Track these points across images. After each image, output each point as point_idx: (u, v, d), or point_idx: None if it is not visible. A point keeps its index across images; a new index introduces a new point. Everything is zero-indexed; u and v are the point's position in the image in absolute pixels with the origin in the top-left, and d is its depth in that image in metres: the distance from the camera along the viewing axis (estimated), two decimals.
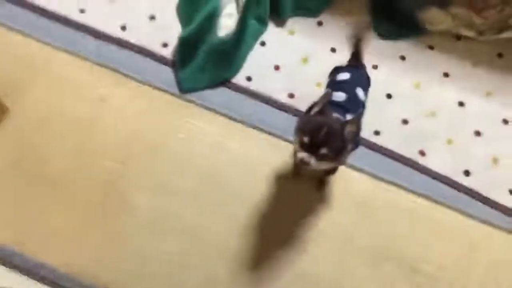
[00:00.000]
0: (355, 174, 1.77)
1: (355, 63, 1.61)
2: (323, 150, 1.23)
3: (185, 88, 1.82)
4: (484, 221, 1.72)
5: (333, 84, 1.49)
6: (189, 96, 1.82)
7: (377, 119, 1.82)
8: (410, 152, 1.80)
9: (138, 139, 1.76)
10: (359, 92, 1.47)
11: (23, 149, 1.70)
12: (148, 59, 1.88)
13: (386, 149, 1.80)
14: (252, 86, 1.86)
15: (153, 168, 1.71)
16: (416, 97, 1.90)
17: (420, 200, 1.74)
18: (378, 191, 1.75)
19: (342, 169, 1.69)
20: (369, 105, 1.55)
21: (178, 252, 1.59)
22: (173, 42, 1.89)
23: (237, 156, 1.76)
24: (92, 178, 1.68)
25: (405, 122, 1.85)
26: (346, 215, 1.70)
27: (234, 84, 1.86)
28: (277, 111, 1.83)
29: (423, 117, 1.86)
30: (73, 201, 1.64)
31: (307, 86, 1.86)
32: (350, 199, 1.73)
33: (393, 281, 1.62)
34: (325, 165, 1.36)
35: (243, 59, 1.88)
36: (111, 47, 1.88)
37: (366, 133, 1.70)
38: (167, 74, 1.86)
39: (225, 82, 1.85)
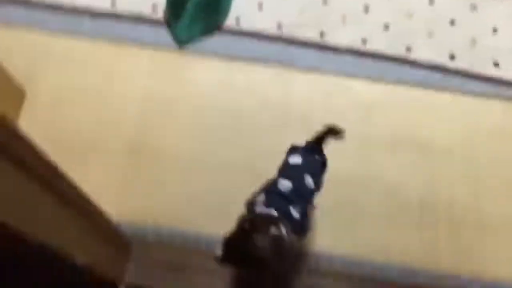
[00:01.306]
0: (354, 82, 1.95)
1: (314, 146, 1.46)
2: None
3: (181, 41, 1.96)
4: (479, 95, 1.92)
5: (283, 169, 1.43)
6: (188, 47, 1.97)
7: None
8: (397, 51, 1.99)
9: (151, 98, 1.90)
10: (308, 179, 1.38)
11: (49, 126, 1.83)
12: (143, 25, 2.02)
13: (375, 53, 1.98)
14: (243, 25, 2.01)
15: (172, 118, 1.86)
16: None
17: (417, 91, 1.94)
18: (379, 92, 1.93)
19: (343, 82, 1.90)
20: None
21: (216, 187, 1.74)
22: (162, 2, 2.02)
23: (246, 92, 1.92)
24: (120, 138, 1.82)
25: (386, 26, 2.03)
26: (356, 117, 1.88)
27: (226, 27, 2.00)
28: (270, 42, 1.99)
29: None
30: (109, 161, 1.78)
31: (291, 15, 2.03)
32: (358, 105, 1.91)
33: (411, 162, 1.80)
34: None
35: (229, 2, 2.03)
36: (106, 22, 2.02)
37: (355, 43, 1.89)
38: (163, 33, 2.00)
39: (217, 27, 2.00)
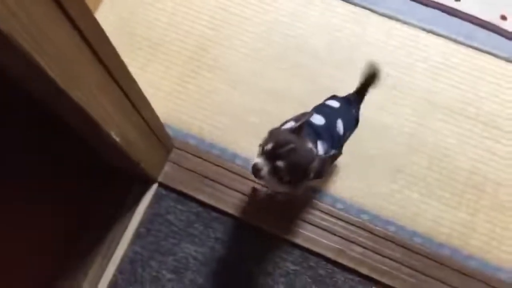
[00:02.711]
0: (433, 39, 1.82)
1: (353, 98, 1.44)
2: (279, 163, 1.12)
3: None
4: None
5: (319, 106, 1.40)
6: None
7: None
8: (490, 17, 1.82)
9: (224, 13, 1.87)
10: (339, 124, 1.34)
11: (122, 18, 1.87)
12: None
13: (466, 13, 1.83)
14: None
15: (239, 36, 1.84)
16: None
17: (499, 63, 1.79)
18: (457, 54, 1.81)
19: (422, 36, 1.78)
20: None
21: (265, 112, 1.73)
22: None
23: (317, 26, 1.85)
24: (187, 42, 1.83)
25: None
26: (424, 75, 1.78)
27: None
28: None
29: None
30: (171, 62, 1.80)
31: None
32: (429, 63, 1.80)
33: (470, 134, 1.71)
34: (275, 185, 1.22)
35: None
36: None
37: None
38: None
39: None
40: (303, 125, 1.17)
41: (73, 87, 0.82)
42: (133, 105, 1.11)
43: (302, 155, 1.14)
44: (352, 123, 1.42)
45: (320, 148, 1.25)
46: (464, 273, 1.55)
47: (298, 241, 1.56)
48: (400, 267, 1.55)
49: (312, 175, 1.17)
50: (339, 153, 1.36)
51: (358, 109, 1.45)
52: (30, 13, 0.69)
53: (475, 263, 1.56)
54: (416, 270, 1.55)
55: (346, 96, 1.44)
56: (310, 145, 1.18)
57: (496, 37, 1.83)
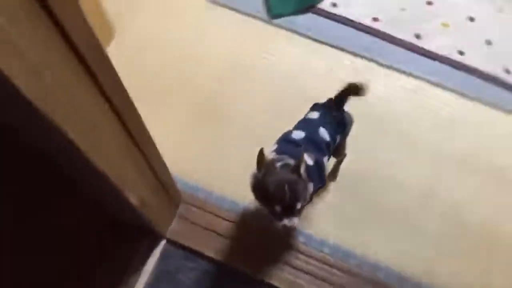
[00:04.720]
0: (438, 92, 1.84)
1: (331, 103, 1.44)
2: (298, 205, 1.18)
3: (274, 14, 1.93)
4: None
5: (299, 122, 1.43)
6: (278, 21, 1.93)
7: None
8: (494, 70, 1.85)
9: (231, 61, 1.88)
10: (321, 131, 1.36)
11: (131, 65, 1.85)
12: None
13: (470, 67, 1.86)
14: (338, 11, 1.95)
15: (246, 86, 1.84)
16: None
17: (505, 116, 1.81)
18: (464, 107, 1.82)
19: (426, 88, 1.80)
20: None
21: None
22: None
23: (321, 74, 1.86)
24: (194, 92, 1.83)
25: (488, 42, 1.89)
26: (432, 127, 1.78)
27: (320, 9, 1.95)
28: (361, 33, 1.91)
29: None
30: (176, 114, 1.79)
31: (391, 11, 1.93)
32: (436, 115, 1.81)
33: (481, 185, 1.69)
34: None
35: None
36: None
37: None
38: (258, 2, 1.97)
39: (311, 7, 1.95)
40: (269, 165, 1.22)
41: (96, 154, 0.79)
42: (152, 168, 1.08)
43: (294, 180, 1.18)
44: (339, 127, 1.42)
45: (308, 159, 1.27)
46: None
47: None
48: None
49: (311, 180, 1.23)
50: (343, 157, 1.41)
51: (340, 112, 1.43)
52: (57, 77, 0.66)
53: None
54: None
55: (324, 102, 1.45)
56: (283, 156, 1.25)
57: (500, 90, 1.85)
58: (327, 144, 1.36)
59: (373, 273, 1.54)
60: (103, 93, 0.77)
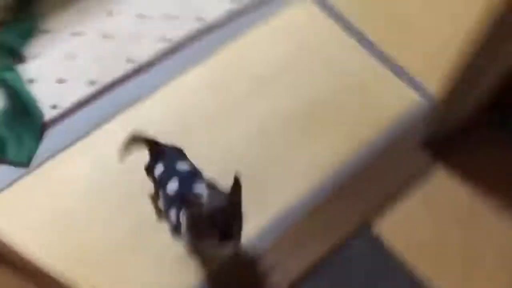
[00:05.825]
0: None
1: (156, 148, 1.50)
2: (236, 226, 1.22)
3: (24, 162, 1.89)
4: None
5: (160, 182, 1.45)
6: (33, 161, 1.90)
7: None
8: None
9: None
10: (179, 166, 1.43)
11: None
12: None
13: None
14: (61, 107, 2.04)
15: None
16: None
17: None
18: None
19: None
20: None
21: None
22: None
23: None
24: None
25: None
26: None
27: (49, 122, 2.00)
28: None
29: None
30: None
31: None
32: None
33: None
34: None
35: (33, 100, 2.01)
36: None
37: None
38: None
39: (42, 129, 1.96)
40: (188, 198, 1.30)
41: None
42: None
43: (222, 205, 1.22)
44: (181, 154, 1.51)
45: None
46: None
47: None
48: None
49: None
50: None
51: (152, 151, 1.52)
52: None
53: None
54: None
55: (154, 152, 1.51)
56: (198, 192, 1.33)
57: None
58: (193, 170, 1.44)
59: None
60: None
